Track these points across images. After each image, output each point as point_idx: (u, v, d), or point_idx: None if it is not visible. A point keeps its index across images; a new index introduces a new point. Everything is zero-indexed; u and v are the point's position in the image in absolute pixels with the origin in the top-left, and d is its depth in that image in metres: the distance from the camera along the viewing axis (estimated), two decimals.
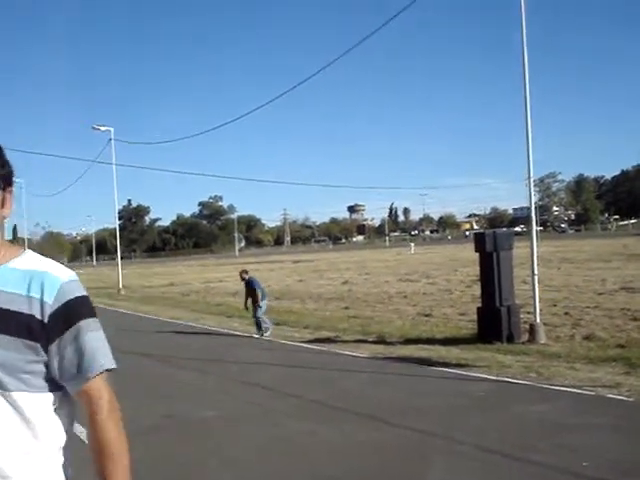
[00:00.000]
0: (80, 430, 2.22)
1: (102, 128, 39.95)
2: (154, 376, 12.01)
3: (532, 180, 13.67)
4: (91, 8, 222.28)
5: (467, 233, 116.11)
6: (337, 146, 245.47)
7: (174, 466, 6.79)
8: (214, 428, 8.11)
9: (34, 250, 1.95)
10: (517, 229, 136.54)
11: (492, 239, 13.43)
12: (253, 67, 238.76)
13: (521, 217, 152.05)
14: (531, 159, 13.39)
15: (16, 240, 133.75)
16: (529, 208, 14.21)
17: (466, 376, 10.30)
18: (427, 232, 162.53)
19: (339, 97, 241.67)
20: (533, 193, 14.01)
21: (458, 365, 11.12)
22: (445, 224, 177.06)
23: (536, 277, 13.40)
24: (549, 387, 9.30)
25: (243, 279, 17.19)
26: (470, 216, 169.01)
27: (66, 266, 1.94)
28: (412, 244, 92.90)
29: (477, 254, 13.94)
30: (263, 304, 16.65)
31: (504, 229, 20.41)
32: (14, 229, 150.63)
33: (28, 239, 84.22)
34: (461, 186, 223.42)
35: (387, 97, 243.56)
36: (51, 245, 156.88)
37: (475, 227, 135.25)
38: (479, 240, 13.74)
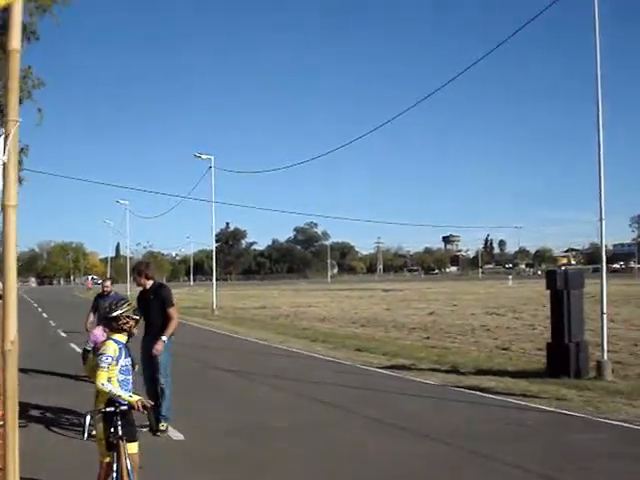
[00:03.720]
0: None
1: (203, 156, 42.10)
2: (236, 390, 13.18)
3: (604, 219, 14.01)
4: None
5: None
6: (433, 182, 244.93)
7: (244, 460, 8.07)
8: (282, 435, 9.31)
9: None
10: (616, 266, 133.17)
11: (563, 277, 13.92)
12: (352, 98, 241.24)
13: (621, 253, 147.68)
14: (603, 194, 13.85)
15: (118, 258, 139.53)
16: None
17: (524, 406, 10.91)
18: (522, 265, 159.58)
19: (435, 135, 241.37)
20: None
21: (521, 396, 11.70)
22: (541, 258, 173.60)
23: (604, 315, 13.74)
24: (600, 420, 9.82)
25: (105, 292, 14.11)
26: (568, 251, 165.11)
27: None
28: (510, 277, 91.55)
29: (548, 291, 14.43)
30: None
31: (579, 267, 20.58)
32: (117, 247, 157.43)
33: (130, 257, 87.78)
34: (559, 220, 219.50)
35: (483, 130, 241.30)
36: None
37: (572, 262, 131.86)
38: (550, 278, 14.25)
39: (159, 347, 9.11)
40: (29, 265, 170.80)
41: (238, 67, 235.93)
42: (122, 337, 5.85)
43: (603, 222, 13.98)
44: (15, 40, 2.79)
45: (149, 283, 9.65)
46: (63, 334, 24.33)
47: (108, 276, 20.39)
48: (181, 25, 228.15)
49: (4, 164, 2.75)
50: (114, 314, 5.84)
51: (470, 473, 7.40)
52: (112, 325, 5.87)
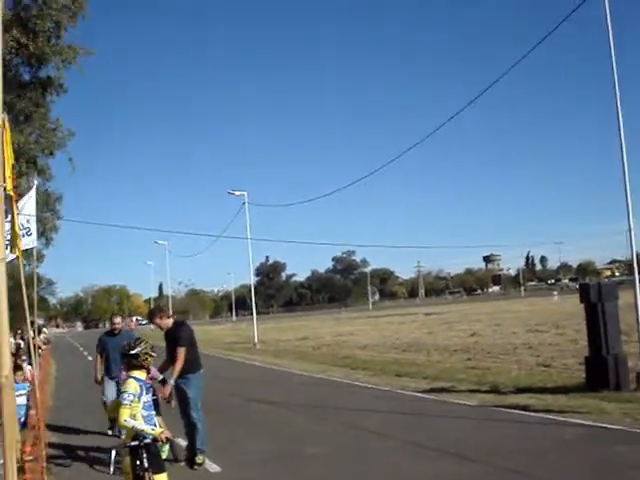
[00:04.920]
0: None
1: (237, 193, 42.66)
2: (275, 421, 13.33)
3: (632, 229, 14.04)
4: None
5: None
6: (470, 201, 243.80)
7: None
8: (319, 463, 9.49)
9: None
10: None
11: (596, 290, 13.89)
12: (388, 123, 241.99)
13: None
14: (630, 203, 13.88)
15: (161, 297, 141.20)
16: None
17: (562, 422, 10.90)
18: (565, 280, 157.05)
19: (468, 155, 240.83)
20: None
21: (560, 412, 11.67)
22: (584, 272, 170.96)
23: None
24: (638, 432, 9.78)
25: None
26: (611, 262, 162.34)
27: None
28: (555, 292, 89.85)
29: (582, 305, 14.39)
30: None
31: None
32: (160, 287, 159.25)
33: (172, 296, 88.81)
34: (601, 232, 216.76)
35: (516, 146, 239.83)
36: (194, 302, 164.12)
37: (616, 274, 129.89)
38: (584, 291, 14.22)
39: (165, 392, 9.14)
40: (75, 310, 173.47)
41: (264, 101, 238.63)
42: (142, 374, 6.17)
43: (632, 232, 13.96)
44: None
45: (169, 322, 9.78)
46: None
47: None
48: (212, 62, 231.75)
49: None
50: (133, 352, 6.16)
51: None
52: (132, 363, 6.16)
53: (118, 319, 12.81)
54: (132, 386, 5.96)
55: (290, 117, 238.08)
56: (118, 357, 9.66)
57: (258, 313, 45.62)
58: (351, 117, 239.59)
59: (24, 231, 9.92)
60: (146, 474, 5.74)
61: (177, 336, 9.56)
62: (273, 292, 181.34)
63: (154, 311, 10.26)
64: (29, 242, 10.60)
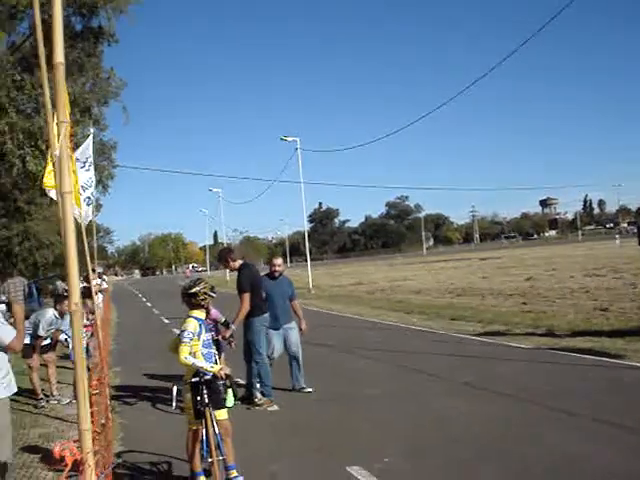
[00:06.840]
0: None
1: (289, 139, 42.55)
2: (331, 363, 13.54)
3: None
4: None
5: None
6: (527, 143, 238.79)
7: (335, 426, 8.48)
8: (374, 402, 9.68)
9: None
10: None
11: None
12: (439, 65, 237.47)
13: None
14: None
15: (216, 245, 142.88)
16: None
17: (620, 365, 10.84)
18: (624, 224, 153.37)
19: (521, 98, 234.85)
20: None
21: (617, 355, 11.59)
22: None
23: None
24: None
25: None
26: None
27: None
28: (617, 236, 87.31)
29: None
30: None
31: None
32: (215, 235, 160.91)
33: (227, 243, 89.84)
34: None
35: (574, 86, 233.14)
36: (249, 249, 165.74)
37: None
38: None
39: (226, 334, 9.34)
40: (132, 258, 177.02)
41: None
42: (201, 313, 6.33)
43: None
44: (59, 54, 2.95)
45: (237, 264, 9.87)
46: (166, 321, 25.19)
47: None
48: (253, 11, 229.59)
49: (59, 157, 2.99)
50: (192, 291, 6.30)
51: (552, 430, 7.46)
52: (191, 302, 6.31)
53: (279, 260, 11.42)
54: (192, 325, 6.12)
55: (342, 60, 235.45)
56: (284, 303, 10.38)
57: (312, 259, 45.84)
58: (402, 62, 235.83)
59: (85, 198, 9.41)
60: (206, 409, 5.93)
61: (238, 281, 9.75)
62: (327, 238, 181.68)
63: (223, 253, 10.26)
64: (89, 212, 10.17)
